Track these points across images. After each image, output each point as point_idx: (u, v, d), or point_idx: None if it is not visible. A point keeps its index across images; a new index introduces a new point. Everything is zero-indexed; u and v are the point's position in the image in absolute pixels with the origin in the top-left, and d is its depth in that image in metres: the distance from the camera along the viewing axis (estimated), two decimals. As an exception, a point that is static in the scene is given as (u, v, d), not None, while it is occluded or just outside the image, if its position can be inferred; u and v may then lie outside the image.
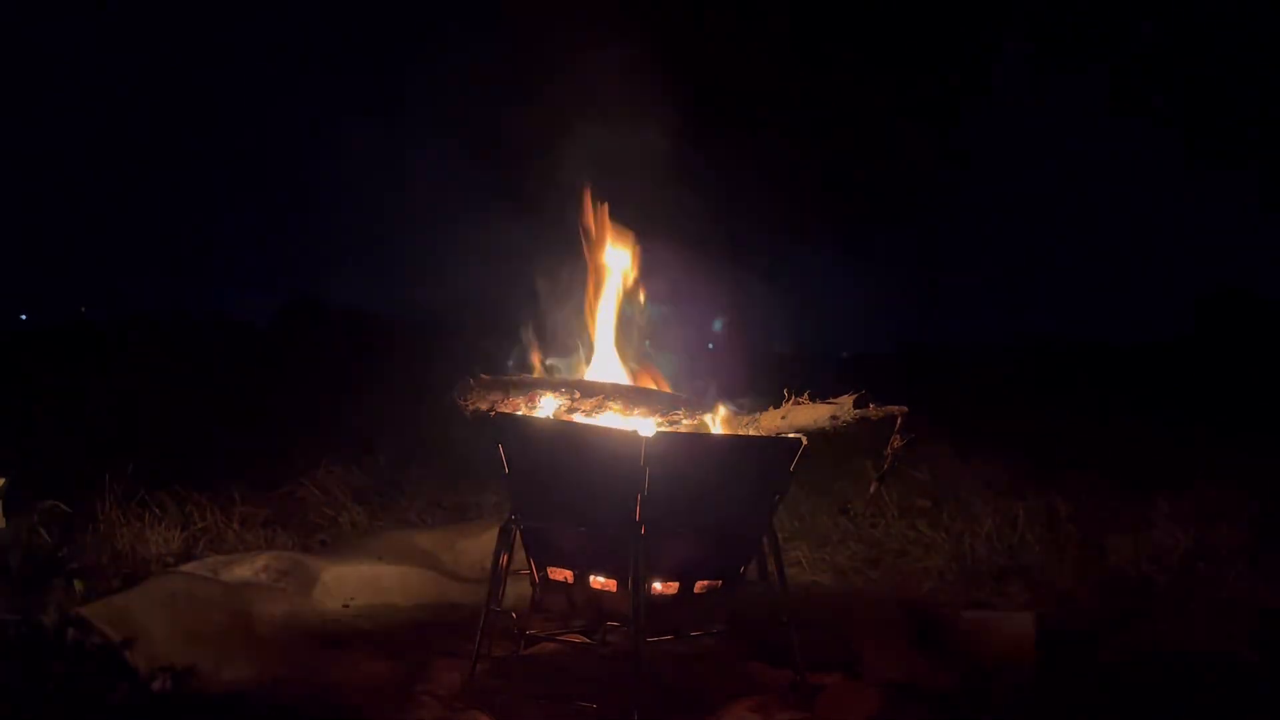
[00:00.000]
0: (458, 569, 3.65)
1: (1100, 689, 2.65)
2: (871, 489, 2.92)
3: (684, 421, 2.66)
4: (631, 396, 2.66)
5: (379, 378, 7.84)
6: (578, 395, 2.62)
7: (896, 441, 2.45)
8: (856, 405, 2.46)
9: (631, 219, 2.93)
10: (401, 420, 6.40)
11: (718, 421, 2.70)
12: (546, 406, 2.62)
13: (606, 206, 2.87)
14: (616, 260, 2.92)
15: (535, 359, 2.82)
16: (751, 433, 2.64)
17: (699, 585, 2.54)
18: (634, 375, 2.85)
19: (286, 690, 2.48)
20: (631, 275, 2.91)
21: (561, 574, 2.54)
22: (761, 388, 2.81)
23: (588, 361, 2.90)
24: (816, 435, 2.54)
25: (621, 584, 2.43)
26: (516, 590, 2.87)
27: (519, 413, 2.59)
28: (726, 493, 2.51)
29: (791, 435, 2.54)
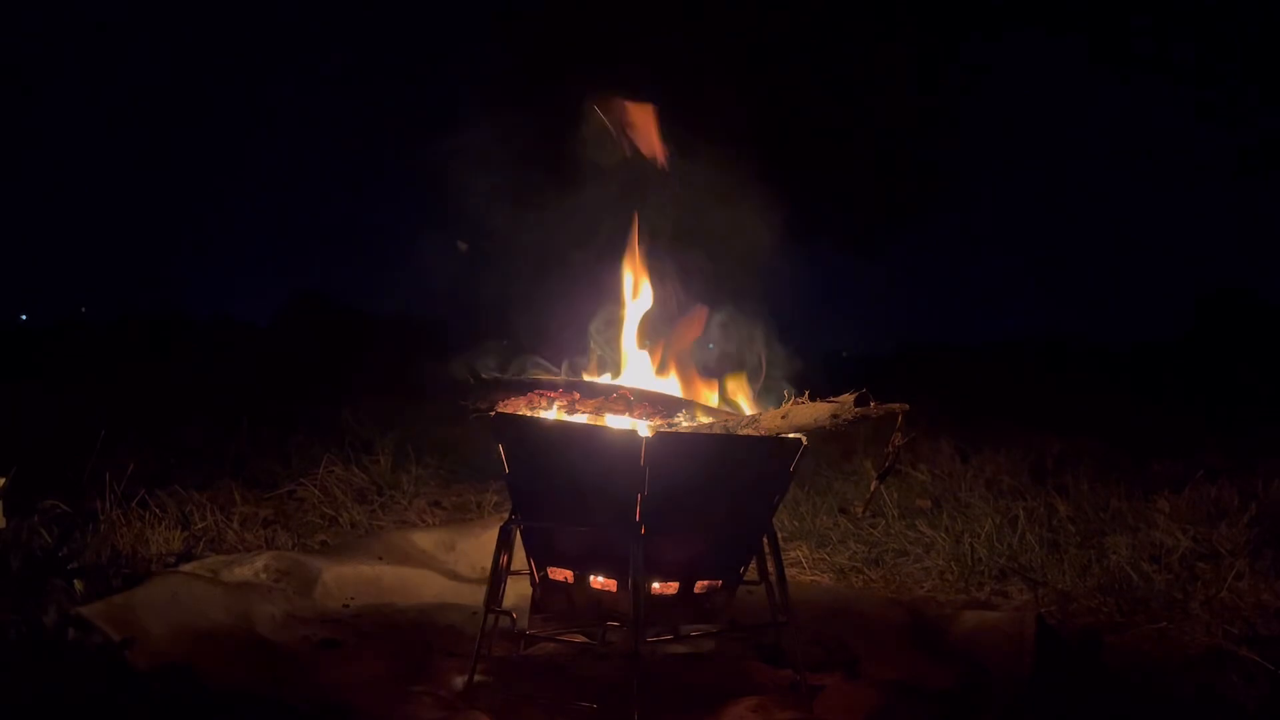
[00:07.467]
0: (458, 569, 3.65)
1: (1100, 689, 2.65)
2: (871, 488, 2.92)
3: (683, 423, 2.66)
4: (632, 397, 2.66)
5: (380, 377, 7.85)
6: (578, 396, 2.63)
7: (898, 439, 2.45)
8: (857, 404, 2.46)
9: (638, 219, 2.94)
10: (402, 420, 6.41)
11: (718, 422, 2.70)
12: (547, 407, 2.62)
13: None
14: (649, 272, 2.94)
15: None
16: (751, 433, 2.64)
17: (699, 585, 2.53)
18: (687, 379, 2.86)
19: (286, 690, 2.48)
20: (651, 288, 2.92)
21: (561, 574, 2.54)
22: (762, 388, 2.82)
23: (615, 365, 2.91)
24: (817, 435, 2.54)
25: (621, 584, 2.43)
26: (516, 590, 2.87)
27: (519, 413, 2.59)
28: (726, 493, 2.51)
29: (791, 435, 2.54)
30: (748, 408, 2.77)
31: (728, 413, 2.75)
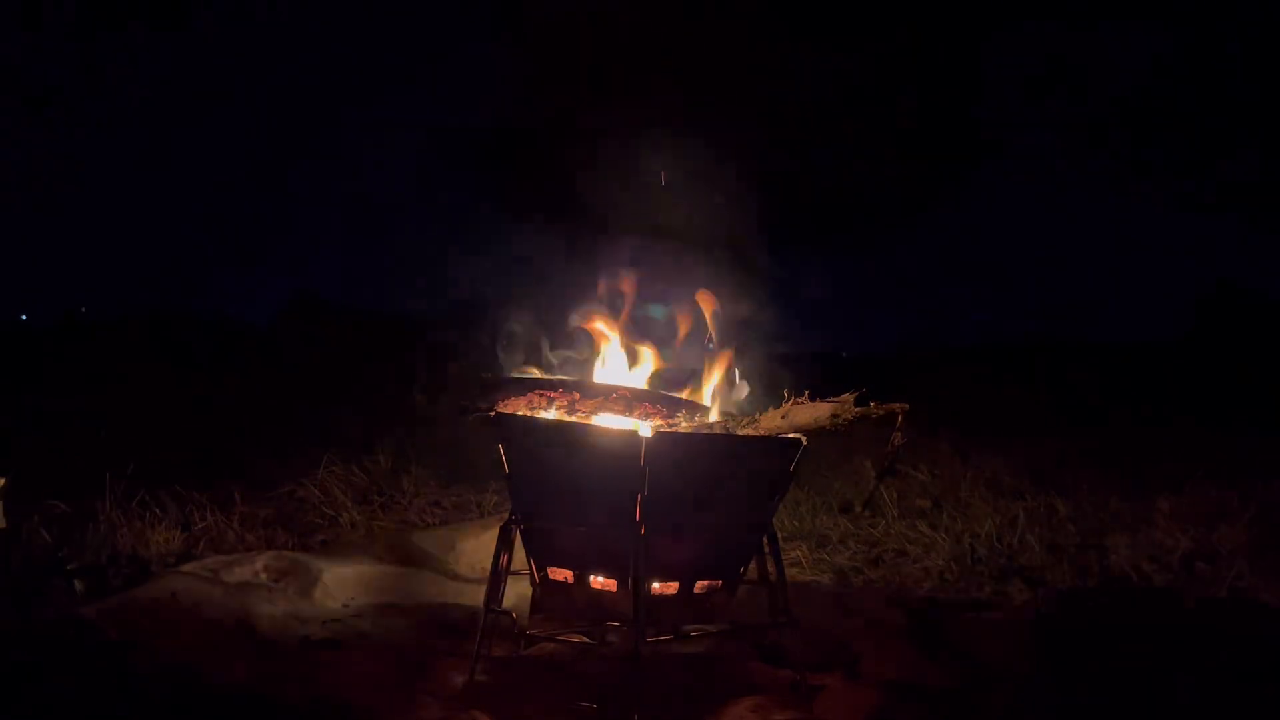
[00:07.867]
0: (458, 569, 3.65)
1: (1099, 689, 2.65)
2: (871, 487, 2.92)
3: (684, 423, 2.66)
4: (632, 397, 2.67)
5: (379, 377, 7.85)
6: (578, 396, 2.63)
7: (898, 438, 2.46)
8: (858, 403, 2.47)
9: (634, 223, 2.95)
10: (401, 420, 6.40)
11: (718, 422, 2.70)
12: (547, 407, 2.62)
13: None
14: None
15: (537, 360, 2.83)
16: (751, 432, 2.64)
17: (699, 585, 2.54)
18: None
19: (287, 690, 2.48)
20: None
21: (561, 574, 2.54)
22: (762, 387, 2.82)
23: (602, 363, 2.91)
24: (817, 434, 2.54)
25: (621, 584, 2.43)
26: (516, 590, 2.87)
27: (520, 413, 2.59)
28: (726, 493, 2.51)
29: (791, 435, 2.54)
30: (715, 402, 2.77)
31: (728, 413, 2.75)
